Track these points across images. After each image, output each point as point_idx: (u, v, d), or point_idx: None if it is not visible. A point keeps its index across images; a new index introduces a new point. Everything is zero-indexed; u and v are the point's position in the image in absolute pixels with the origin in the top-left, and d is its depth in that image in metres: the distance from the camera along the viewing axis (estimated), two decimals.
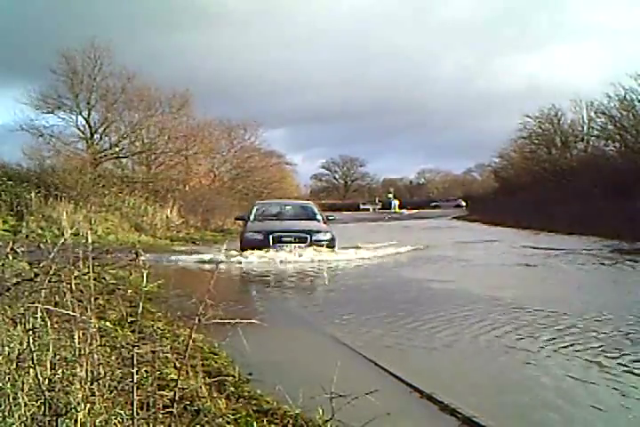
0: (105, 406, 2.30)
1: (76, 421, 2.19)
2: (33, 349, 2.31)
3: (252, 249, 12.78)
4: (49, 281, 2.67)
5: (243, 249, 12.97)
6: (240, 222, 17.42)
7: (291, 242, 12.90)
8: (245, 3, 76.85)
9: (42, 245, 2.94)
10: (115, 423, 2.26)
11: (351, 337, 5.24)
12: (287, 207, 15.89)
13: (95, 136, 27.78)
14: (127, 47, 44.65)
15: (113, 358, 2.78)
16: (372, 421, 2.74)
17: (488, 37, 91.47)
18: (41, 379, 2.28)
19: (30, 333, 2.38)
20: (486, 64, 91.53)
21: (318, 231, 13.38)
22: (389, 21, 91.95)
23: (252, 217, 14.60)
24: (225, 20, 75.58)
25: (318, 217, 14.83)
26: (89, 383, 2.30)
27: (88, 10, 47.03)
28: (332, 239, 13.34)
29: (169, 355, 3.55)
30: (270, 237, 12.95)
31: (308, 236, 13.08)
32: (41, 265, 2.87)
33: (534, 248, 14.72)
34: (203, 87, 50.94)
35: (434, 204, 66.92)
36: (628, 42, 77.56)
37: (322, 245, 12.92)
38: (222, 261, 11.59)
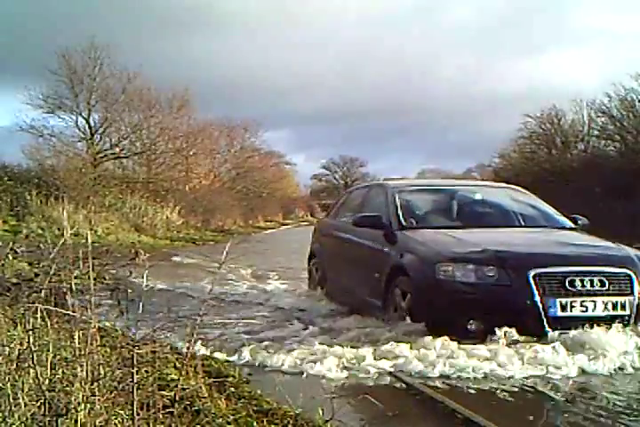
0: (105, 407, 2.29)
1: (76, 421, 2.19)
2: (33, 349, 2.31)
3: (474, 328, 4.53)
4: (49, 281, 2.67)
5: (435, 323, 4.61)
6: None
7: (595, 294, 4.59)
8: (250, 4, 76.84)
9: (42, 245, 2.95)
10: (115, 423, 2.26)
11: None
12: (477, 196, 6.59)
13: (95, 136, 27.69)
14: (128, 47, 44.55)
15: (113, 358, 2.77)
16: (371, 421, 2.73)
17: (490, 40, 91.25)
18: (41, 379, 2.27)
19: (30, 333, 2.38)
20: (487, 66, 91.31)
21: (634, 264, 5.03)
22: (391, 23, 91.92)
23: (400, 218, 5.76)
24: (228, 21, 75.49)
25: (563, 221, 6.63)
26: (89, 384, 2.30)
27: (89, 10, 46.97)
28: None
29: (169, 355, 3.55)
30: (538, 280, 4.57)
31: (633, 276, 4.77)
32: (41, 265, 2.87)
33: None
34: (204, 87, 50.73)
35: None
36: (628, 44, 77.51)
37: None
38: None
